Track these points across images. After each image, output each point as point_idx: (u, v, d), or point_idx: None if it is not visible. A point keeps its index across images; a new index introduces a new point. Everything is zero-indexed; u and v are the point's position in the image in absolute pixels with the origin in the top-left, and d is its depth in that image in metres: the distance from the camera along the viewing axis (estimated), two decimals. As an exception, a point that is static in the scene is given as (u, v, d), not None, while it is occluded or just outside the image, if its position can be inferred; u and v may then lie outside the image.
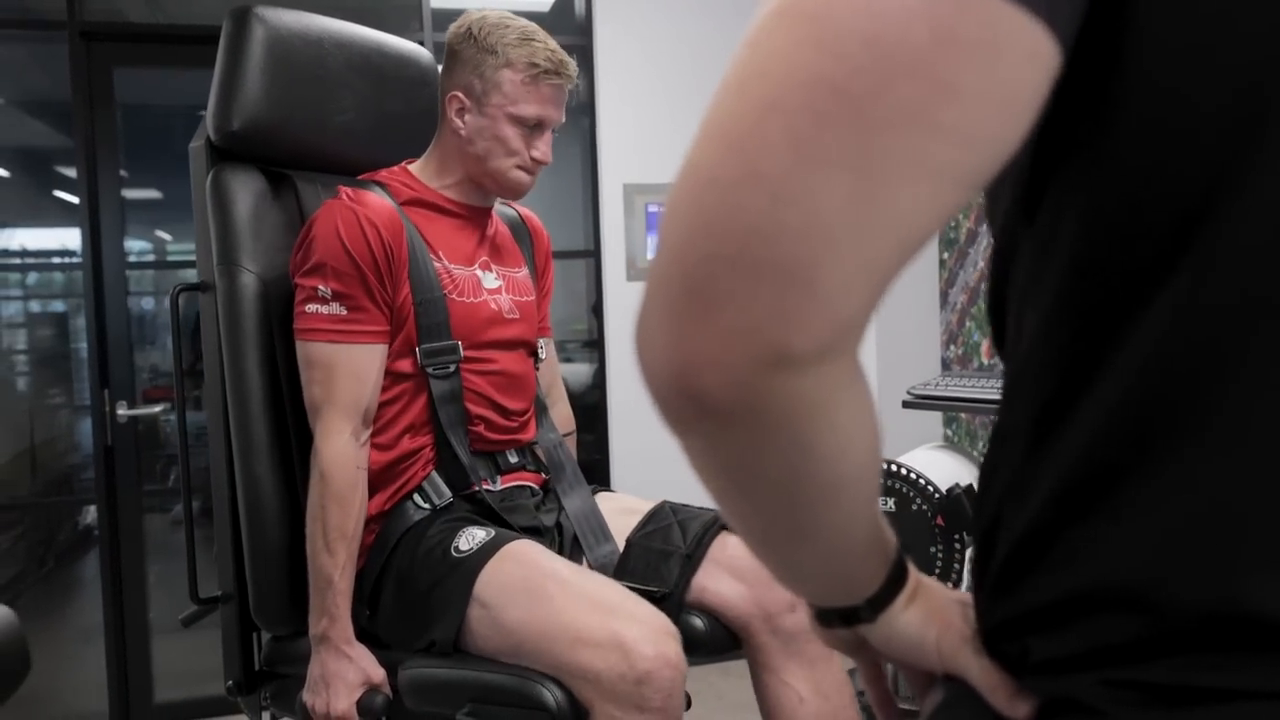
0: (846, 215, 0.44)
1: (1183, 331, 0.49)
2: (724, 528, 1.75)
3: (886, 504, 2.02)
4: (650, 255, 3.32)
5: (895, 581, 0.64)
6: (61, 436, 3.62)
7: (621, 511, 1.78)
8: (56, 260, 3.58)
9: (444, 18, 3.26)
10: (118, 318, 3.16)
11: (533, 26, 1.70)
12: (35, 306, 3.72)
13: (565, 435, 1.94)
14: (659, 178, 3.31)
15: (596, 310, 3.30)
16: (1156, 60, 0.48)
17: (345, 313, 1.60)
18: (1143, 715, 0.49)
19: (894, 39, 0.43)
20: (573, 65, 1.71)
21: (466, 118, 1.71)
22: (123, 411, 3.14)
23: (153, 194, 3.56)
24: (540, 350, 1.88)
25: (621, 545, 1.73)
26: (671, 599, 1.64)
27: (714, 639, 1.67)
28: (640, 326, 0.49)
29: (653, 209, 3.34)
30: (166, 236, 3.70)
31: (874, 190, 0.44)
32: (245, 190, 1.75)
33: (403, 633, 1.60)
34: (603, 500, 1.82)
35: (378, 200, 1.66)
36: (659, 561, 1.68)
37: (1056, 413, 0.53)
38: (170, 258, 3.73)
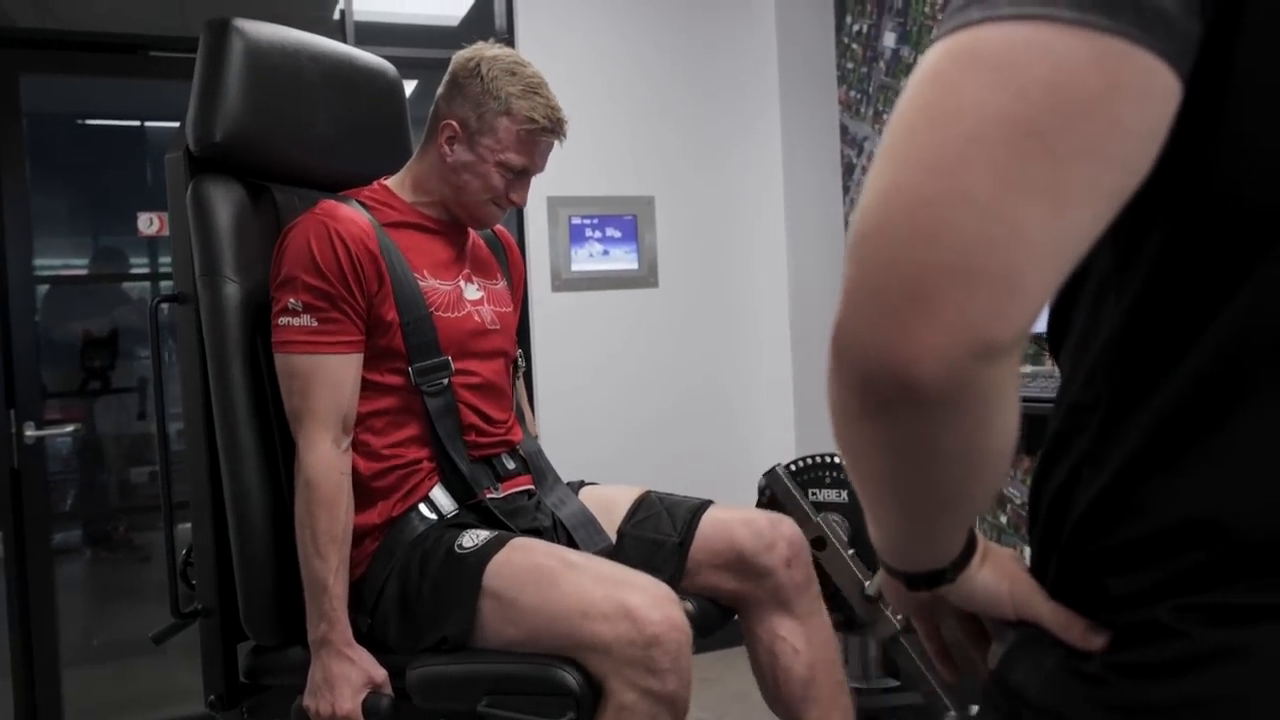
0: (1043, 229, 0.53)
1: (1257, 319, 0.60)
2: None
3: (841, 495, 2.14)
4: (575, 267, 3.39)
5: (971, 544, 0.73)
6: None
7: (606, 506, 1.85)
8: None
9: (366, 31, 3.27)
10: (24, 335, 3.04)
11: (539, 79, 1.75)
12: None
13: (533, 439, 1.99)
14: (581, 191, 3.37)
15: (522, 321, 3.34)
16: (1249, 106, 0.58)
17: (316, 324, 1.62)
18: (1214, 633, 0.59)
19: (1074, 86, 0.53)
20: (567, 125, 1.77)
21: (455, 147, 1.75)
22: (30, 433, 3.01)
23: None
24: (520, 360, 1.94)
25: (612, 536, 1.79)
26: (670, 586, 1.71)
27: (706, 619, 1.76)
28: (847, 324, 0.56)
29: (575, 221, 3.40)
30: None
31: (1063, 209, 0.53)
32: (226, 201, 1.75)
33: (409, 634, 1.63)
34: (588, 494, 1.89)
35: (351, 213, 1.69)
36: (652, 551, 1.76)
37: (1139, 387, 0.63)
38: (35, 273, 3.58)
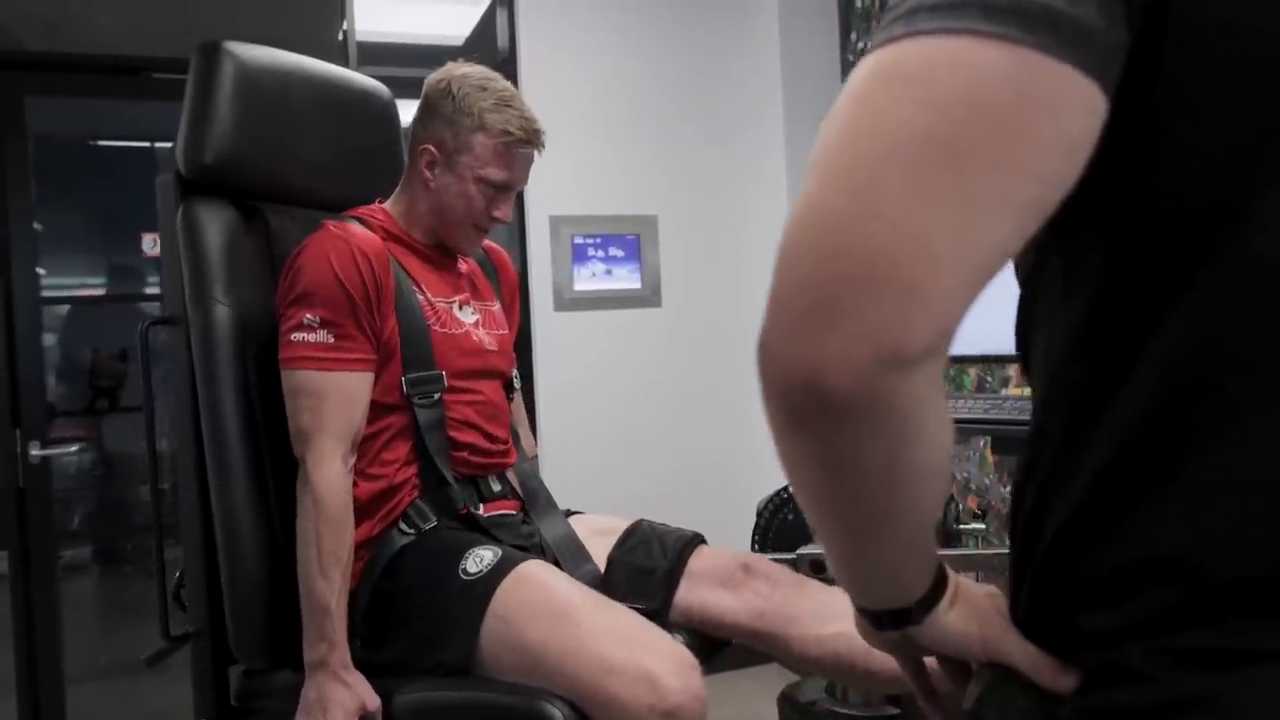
0: (952, 243, 0.53)
1: (1198, 340, 0.59)
2: (702, 542, 1.82)
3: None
4: (577, 287, 3.39)
5: (939, 584, 0.72)
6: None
7: (599, 532, 1.83)
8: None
9: (369, 52, 3.28)
10: (29, 355, 3.06)
11: (511, 91, 1.75)
12: None
13: (530, 459, 1.99)
14: (584, 210, 3.38)
15: (525, 340, 3.34)
16: (1178, 115, 0.58)
17: (333, 340, 1.62)
18: (1184, 678, 0.57)
19: (988, 100, 0.53)
20: (544, 135, 1.77)
21: (436, 171, 1.75)
22: (35, 451, 3.03)
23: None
24: (515, 381, 1.93)
25: (602, 564, 1.78)
26: (658, 616, 1.69)
27: (696, 652, 1.73)
28: (768, 339, 0.57)
29: (578, 240, 3.40)
30: (40, 270, 3.57)
31: (973, 222, 0.54)
32: (216, 223, 1.76)
33: (405, 656, 1.61)
34: (578, 522, 1.87)
35: (364, 233, 1.70)
36: (642, 578, 1.74)
37: (1092, 408, 0.62)
38: (45, 293, 3.60)
